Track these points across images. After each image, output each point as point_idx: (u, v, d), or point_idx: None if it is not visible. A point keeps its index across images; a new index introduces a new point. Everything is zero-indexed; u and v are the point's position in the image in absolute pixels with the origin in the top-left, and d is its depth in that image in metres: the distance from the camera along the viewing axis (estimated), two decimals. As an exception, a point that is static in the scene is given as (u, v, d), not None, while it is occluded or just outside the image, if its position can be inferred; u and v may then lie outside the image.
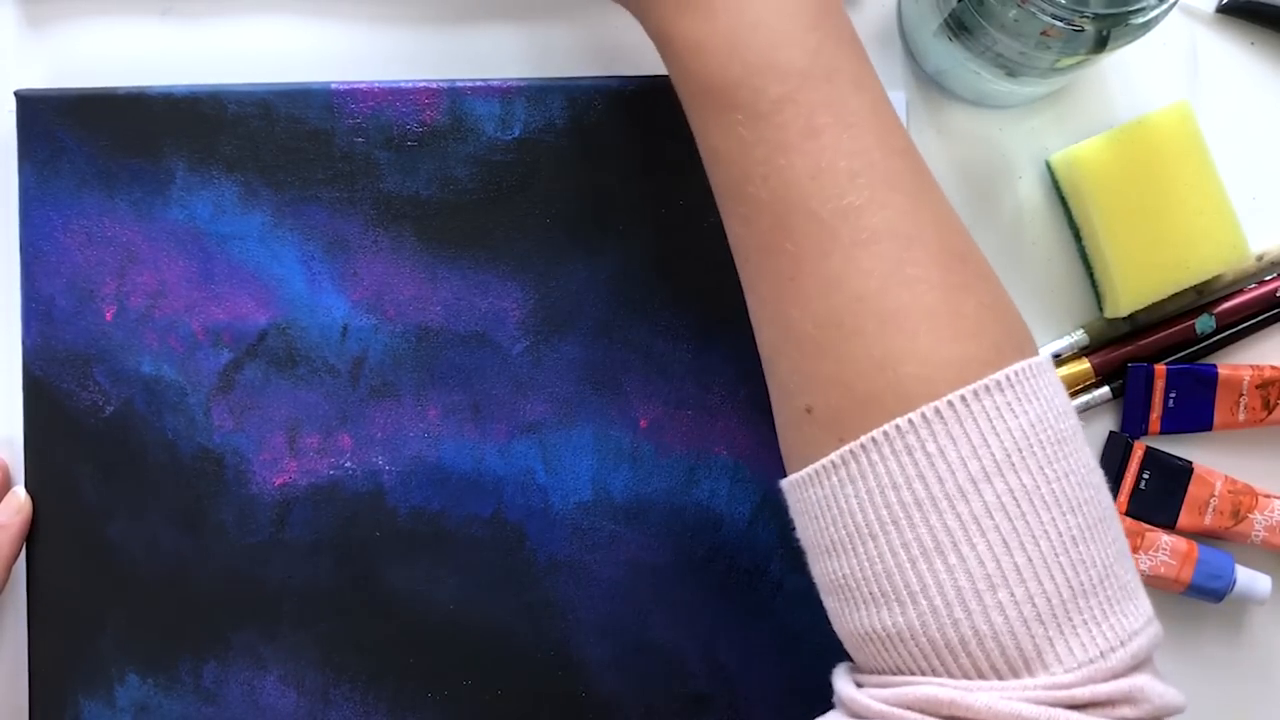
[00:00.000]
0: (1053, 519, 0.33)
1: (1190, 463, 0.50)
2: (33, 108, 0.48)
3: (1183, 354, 0.51)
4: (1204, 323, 0.51)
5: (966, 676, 0.33)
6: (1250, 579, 0.50)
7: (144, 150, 0.48)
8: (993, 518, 0.33)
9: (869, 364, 0.35)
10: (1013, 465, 0.33)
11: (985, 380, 0.34)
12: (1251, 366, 0.50)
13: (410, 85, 0.48)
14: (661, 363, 0.48)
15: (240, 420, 0.48)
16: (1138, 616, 0.34)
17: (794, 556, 0.48)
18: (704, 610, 0.48)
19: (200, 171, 0.48)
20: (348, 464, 0.48)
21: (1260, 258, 0.51)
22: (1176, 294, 0.50)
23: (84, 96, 0.48)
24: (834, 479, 0.35)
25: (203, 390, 0.48)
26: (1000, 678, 0.33)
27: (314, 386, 0.48)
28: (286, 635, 0.48)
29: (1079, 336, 0.51)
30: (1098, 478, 0.36)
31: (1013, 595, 0.33)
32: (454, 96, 0.48)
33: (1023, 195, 0.51)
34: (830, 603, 0.37)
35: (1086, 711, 0.32)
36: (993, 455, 0.33)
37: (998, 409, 0.34)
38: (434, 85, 0.48)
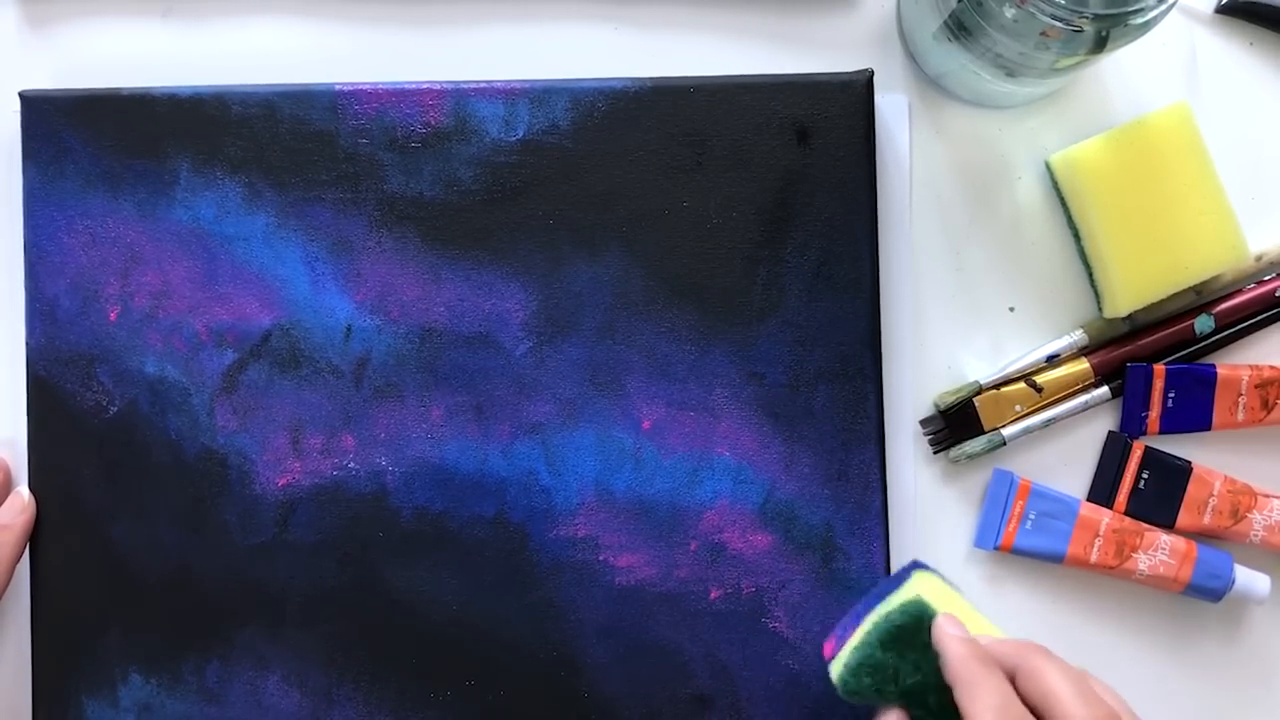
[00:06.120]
0: None
1: (1189, 462, 0.51)
2: (37, 108, 0.49)
3: (1182, 354, 0.51)
4: (1203, 323, 0.51)
5: None
6: (1249, 578, 0.50)
7: (148, 151, 0.48)
8: None
9: None
10: None
11: None
12: (1250, 366, 0.51)
13: (414, 86, 0.48)
14: (664, 364, 0.48)
15: (244, 421, 0.49)
16: None
17: (795, 556, 0.48)
18: (706, 611, 0.48)
19: (204, 172, 0.48)
20: (351, 465, 0.49)
21: (1259, 258, 0.51)
22: (1176, 294, 0.50)
23: (88, 97, 0.49)
24: None
25: (206, 391, 0.49)
26: None
27: (317, 387, 0.49)
28: (290, 635, 0.48)
29: (1078, 336, 0.51)
30: None
31: None
32: (458, 98, 0.48)
33: (1022, 195, 0.51)
34: None
35: None
36: None
37: None
38: (438, 86, 0.48)
